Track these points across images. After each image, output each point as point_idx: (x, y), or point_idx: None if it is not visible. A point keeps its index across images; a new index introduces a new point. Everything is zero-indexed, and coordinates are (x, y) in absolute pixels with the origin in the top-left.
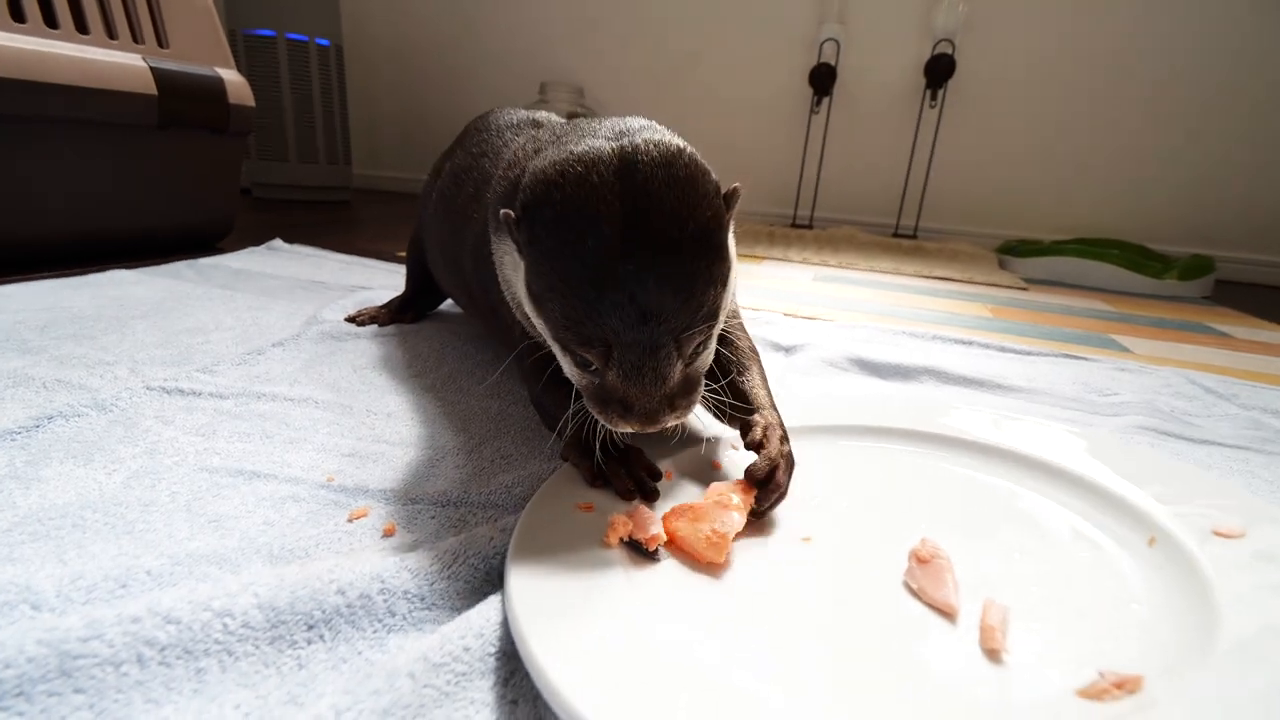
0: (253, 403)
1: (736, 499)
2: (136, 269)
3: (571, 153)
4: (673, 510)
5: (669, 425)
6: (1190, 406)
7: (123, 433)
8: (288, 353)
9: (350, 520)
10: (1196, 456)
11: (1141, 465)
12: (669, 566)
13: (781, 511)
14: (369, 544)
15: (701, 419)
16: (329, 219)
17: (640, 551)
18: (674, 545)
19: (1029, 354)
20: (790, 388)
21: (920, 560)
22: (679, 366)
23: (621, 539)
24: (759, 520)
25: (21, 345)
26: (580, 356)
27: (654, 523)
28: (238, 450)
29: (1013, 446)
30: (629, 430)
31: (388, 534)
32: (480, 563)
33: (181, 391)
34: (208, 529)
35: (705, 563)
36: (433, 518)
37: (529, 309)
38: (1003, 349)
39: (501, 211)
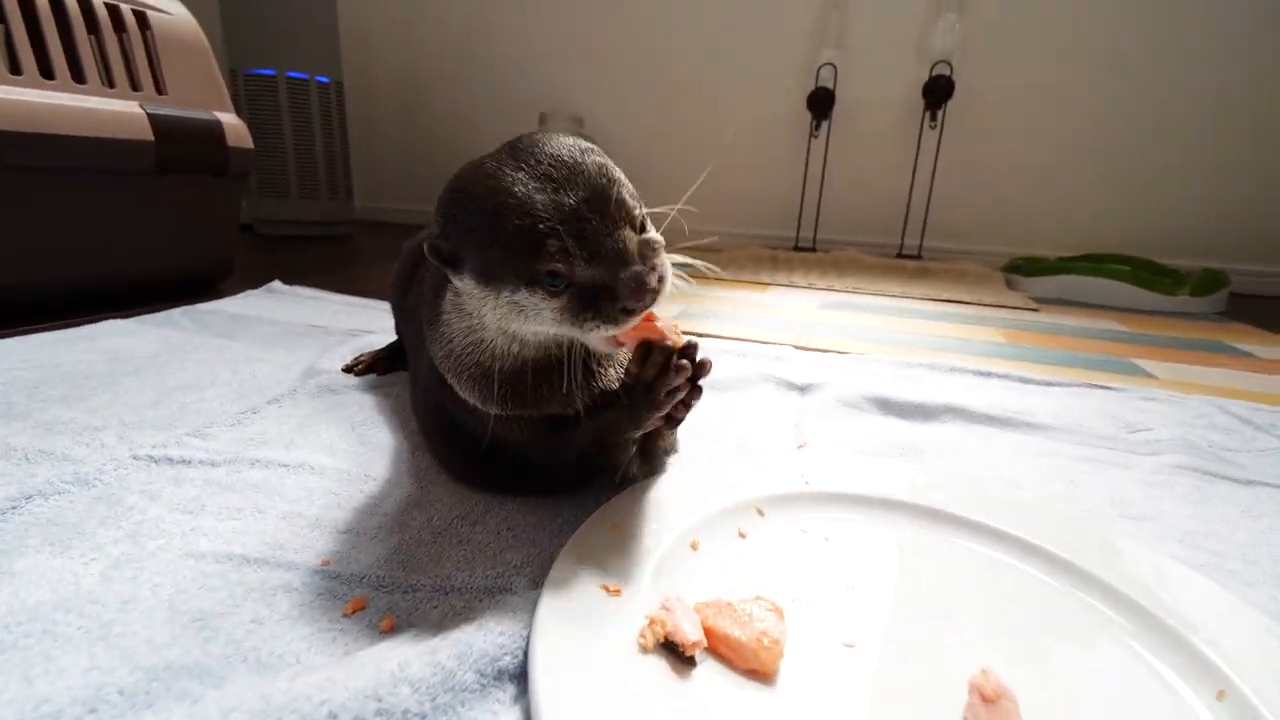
0: (245, 470)
1: (768, 604)
2: (133, 317)
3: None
4: (707, 604)
5: (657, 289)
6: (1228, 440)
7: (105, 512)
8: (284, 410)
9: (346, 615)
10: (1244, 501)
11: (1210, 602)
12: (708, 672)
13: (820, 606)
14: (366, 643)
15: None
16: (331, 254)
17: (678, 656)
18: (715, 647)
19: (1050, 385)
20: (811, 435)
21: (985, 698)
22: (629, 231)
23: (658, 641)
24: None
25: (8, 409)
26: (546, 275)
27: (690, 620)
28: (227, 530)
29: (1072, 557)
30: (622, 325)
31: (386, 630)
32: (487, 666)
33: (170, 460)
34: (190, 631)
35: (751, 669)
36: (435, 607)
37: (481, 300)
38: (1023, 380)
39: (426, 245)
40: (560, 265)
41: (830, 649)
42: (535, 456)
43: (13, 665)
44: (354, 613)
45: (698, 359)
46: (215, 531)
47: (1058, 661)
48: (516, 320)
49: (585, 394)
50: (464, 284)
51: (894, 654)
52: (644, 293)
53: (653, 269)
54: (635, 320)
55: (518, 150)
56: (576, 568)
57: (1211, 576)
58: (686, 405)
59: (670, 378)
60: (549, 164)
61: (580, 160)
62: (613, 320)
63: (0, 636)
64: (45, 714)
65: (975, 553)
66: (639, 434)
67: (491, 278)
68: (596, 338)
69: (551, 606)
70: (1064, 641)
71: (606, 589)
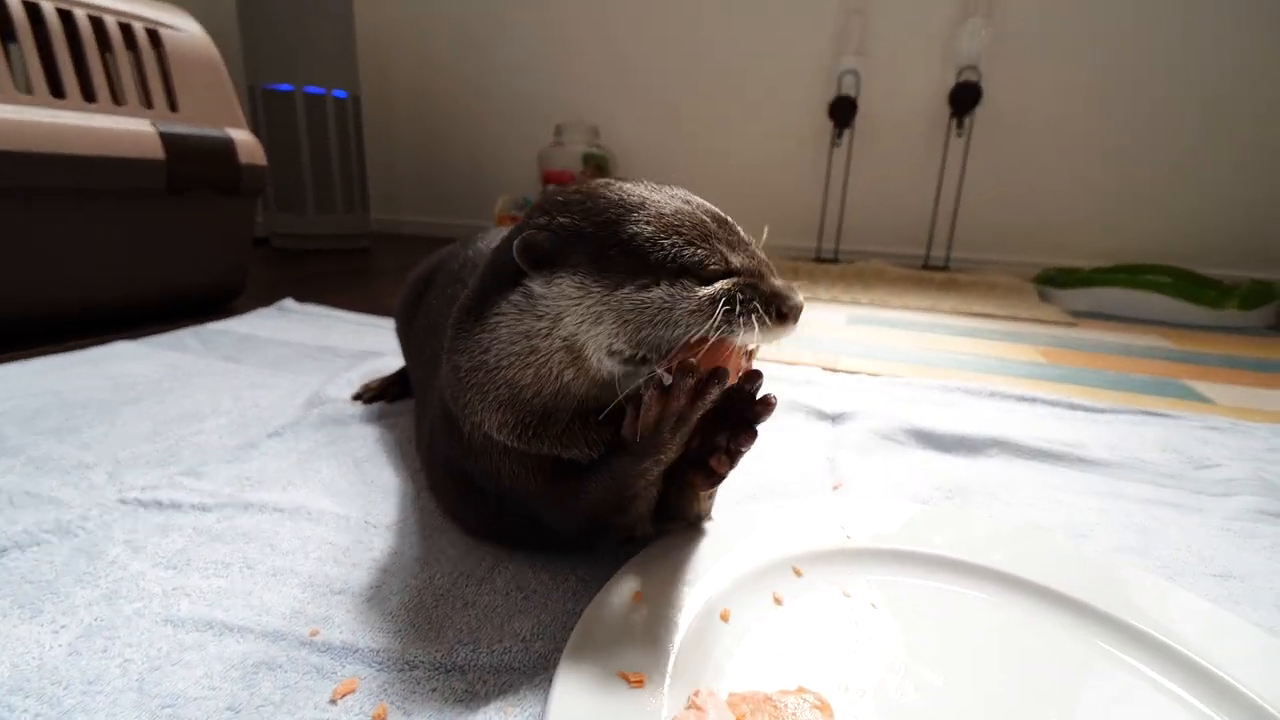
0: (238, 516)
1: (813, 699)
2: (141, 339)
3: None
4: (743, 698)
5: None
6: None
7: (84, 566)
8: (284, 444)
9: (334, 700)
10: None
11: None
12: None
13: (872, 695)
14: None
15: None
16: (347, 269)
17: None
18: None
19: (1101, 412)
20: (846, 474)
21: None
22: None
23: None
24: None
25: (1, 445)
26: (703, 263)
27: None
28: (211, 590)
29: (1166, 637)
30: (776, 331)
31: (378, 719)
32: None
33: (159, 504)
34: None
35: None
36: (434, 690)
37: (571, 302)
38: (1071, 406)
39: (518, 242)
40: (718, 257)
41: None
42: (542, 512)
43: None
44: (342, 698)
45: (759, 393)
46: (199, 591)
47: None
48: (615, 327)
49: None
50: (548, 288)
51: None
52: (799, 303)
53: (793, 288)
54: (789, 331)
55: (612, 182)
56: (592, 650)
57: None
58: (732, 454)
59: (703, 401)
60: (655, 185)
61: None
62: (769, 320)
63: None
64: None
65: (1047, 624)
66: (656, 474)
67: (613, 270)
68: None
69: (562, 704)
70: None
71: (626, 678)
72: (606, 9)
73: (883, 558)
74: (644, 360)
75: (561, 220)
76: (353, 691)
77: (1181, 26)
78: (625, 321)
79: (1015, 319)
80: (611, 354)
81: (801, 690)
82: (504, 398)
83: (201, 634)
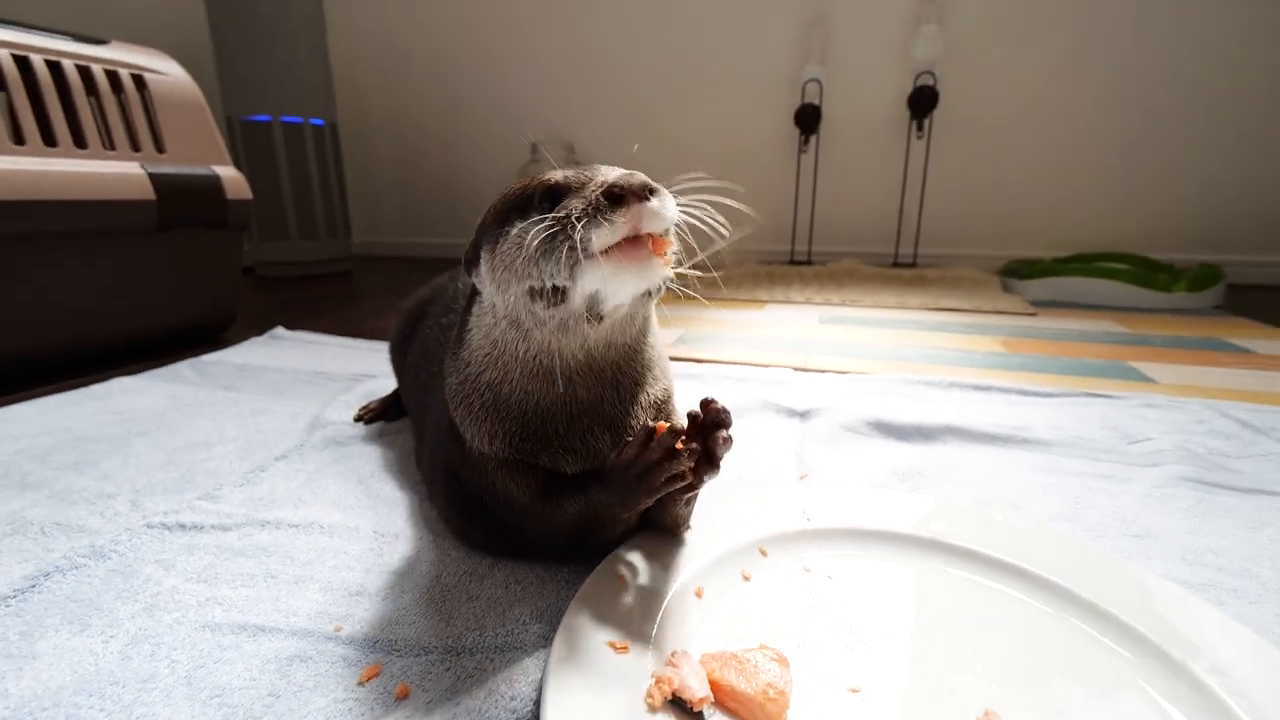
0: (256, 533)
1: (772, 654)
2: (140, 374)
3: None
4: (712, 657)
5: (649, 185)
6: (1228, 446)
7: (122, 585)
8: (292, 465)
9: (361, 683)
10: (1245, 512)
11: (1227, 638)
12: None
13: (825, 650)
14: (381, 713)
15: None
16: (332, 293)
17: (686, 711)
18: (722, 701)
19: (1051, 396)
20: (812, 464)
21: None
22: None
23: (666, 699)
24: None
25: (21, 480)
26: (540, 194)
27: (697, 676)
28: (241, 598)
29: (1079, 588)
30: (612, 216)
31: (401, 697)
32: None
33: (183, 526)
34: (209, 709)
35: None
36: (448, 669)
37: (491, 280)
38: (1023, 393)
39: (467, 254)
40: (558, 173)
41: (836, 695)
42: (528, 525)
43: None
44: (368, 680)
45: (719, 432)
46: (230, 600)
47: (1068, 703)
48: (512, 276)
49: (593, 440)
50: (480, 281)
51: (900, 698)
52: (633, 179)
53: (632, 173)
54: (642, 210)
55: None
56: (583, 626)
57: (1214, 595)
58: (702, 475)
59: (675, 463)
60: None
61: None
62: (600, 208)
63: None
64: None
65: (979, 586)
66: (626, 519)
67: (493, 234)
68: (594, 247)
69: (559, 670)
70: (1075, 682)
71: (614, 646)
72: (576, 28)
73: (839, 536)
74: (560, 292)
75: (478, 225)
76: (377, 675)
77: (1123, 24)
78: (514, 268)
79: (979, 311)
80: (534, 298)
81: (763, 647)
82: (488, 403)
83: (237, 635)
